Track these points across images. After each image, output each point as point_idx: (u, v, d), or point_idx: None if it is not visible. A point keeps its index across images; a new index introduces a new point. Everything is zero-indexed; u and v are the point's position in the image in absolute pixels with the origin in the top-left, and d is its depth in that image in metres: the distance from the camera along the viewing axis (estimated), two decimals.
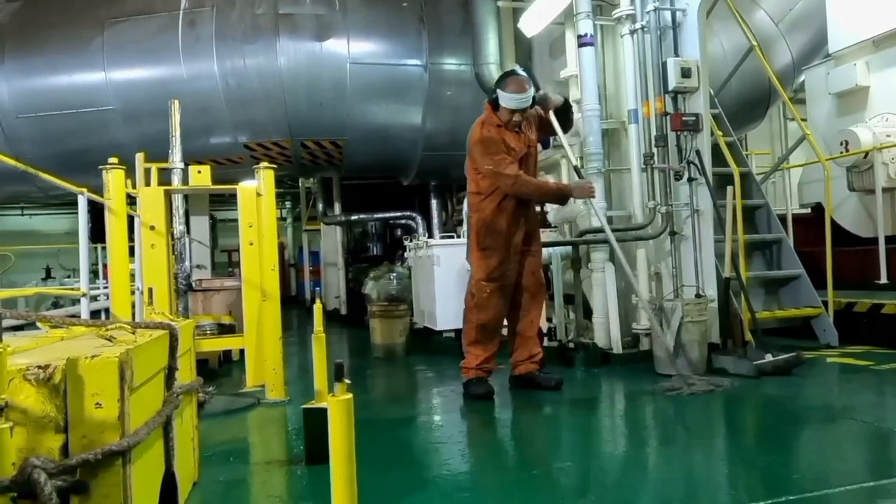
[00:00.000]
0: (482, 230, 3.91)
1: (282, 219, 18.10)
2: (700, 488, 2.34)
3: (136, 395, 1.59)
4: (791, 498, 2.10)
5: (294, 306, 13.24)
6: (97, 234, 5.09)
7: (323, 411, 1.64)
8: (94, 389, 1.40)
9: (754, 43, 6.02)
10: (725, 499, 2.18)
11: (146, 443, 1.69)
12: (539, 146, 4.29)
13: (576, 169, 4.24)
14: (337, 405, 1.37)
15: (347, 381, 1.42)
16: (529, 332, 4.02)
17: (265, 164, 4.18)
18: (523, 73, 4.05)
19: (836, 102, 6.88)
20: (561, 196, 4.07)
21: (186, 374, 2.34)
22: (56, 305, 10.07)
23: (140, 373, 1.60)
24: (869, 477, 2.30)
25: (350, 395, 1.39)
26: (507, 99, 3.81)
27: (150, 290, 2.95)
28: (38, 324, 2.08)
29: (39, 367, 1.39)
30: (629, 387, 4.04)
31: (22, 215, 16.19)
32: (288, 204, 17.68)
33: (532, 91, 3.86)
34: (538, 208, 4.81)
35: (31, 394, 1.37)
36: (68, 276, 13.19)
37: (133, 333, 1.80)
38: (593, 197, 4.13)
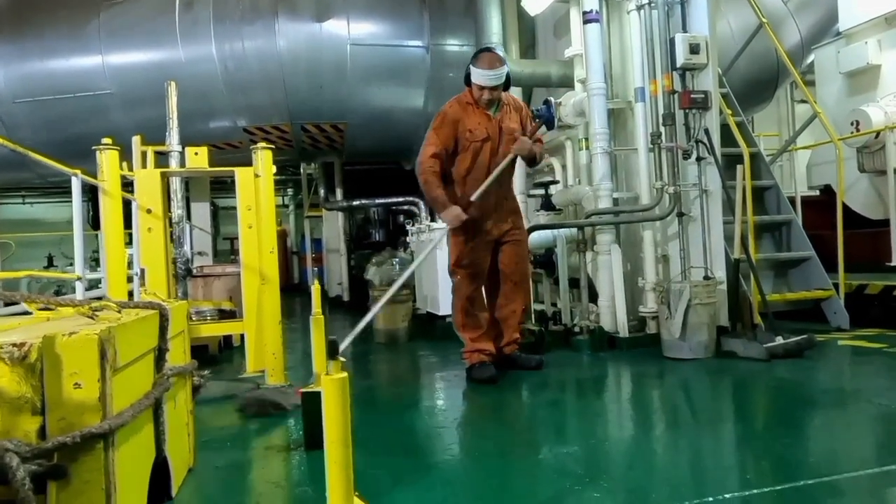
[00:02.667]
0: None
1: (283, 206, 18.01)
2: (710, 472, 2.26)
3: (121, 376, 1.50)
4: (808, 482, 2.02)
5: (297, 294, 13.17)
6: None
7: (321, 395, 1.55)
8: (73, 369, 1.32)
9: (763, 20, 5.88)
10: (735, 483, 2.09)
11: (133, 426, 1.61)
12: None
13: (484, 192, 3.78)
14: (331, 384, 1.28)
15: (342, 358, 1.34)
16: (511, 321, 4.00)
17: (262, 144, 4.08)
18: (500, 51, 3.94)
19: (847, 82, 6.75)
20: (433, 205, 3.99)
21: (179, 356, 2.26)
22: (58, 294, 10.03)
23: (125, 352, 1.51)
24: (889, 460, 2.21)
25: (345, 374, 1.30)
26: (476, 74, 3.74)
27: (143, 271, 2.87)
28: (24, 304, 2.00)
29: (14, 345, 1.30)
30: (636, 371, 3.96)
31: (23, 203, 16.12)
32: (290, 191, 17.58)
33: (505, 69, 3.76)
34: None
35: (5, 373, 1.29)
36: (70, 265, 13.12)
37: (119, 313, 1.72)
38: (454, 226, 3.78)
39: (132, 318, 1.67)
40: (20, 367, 1.30)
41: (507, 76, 3.79)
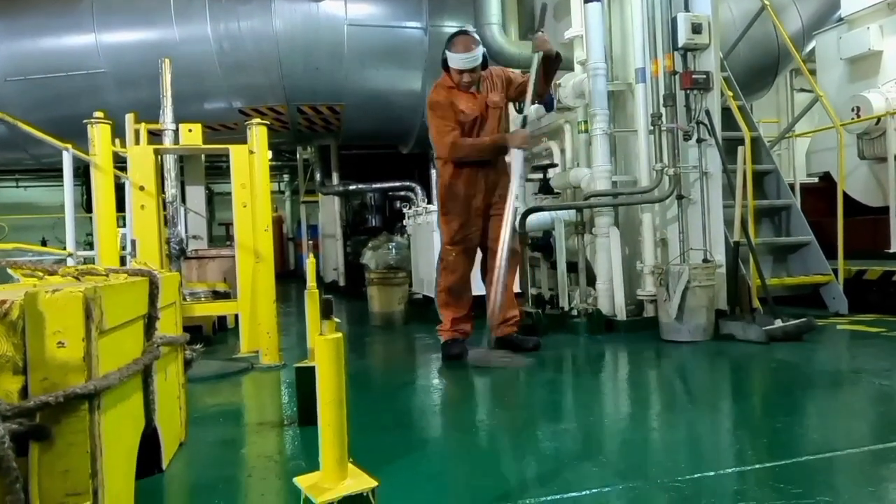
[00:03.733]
0: (443, 194, 3.95)
1: (279, 192, 17.93)
2: (707, 449, 2.22)
3: (108, 339, 1.45)
4: (808, 458, 1.99)
5: (293, 280, 13.11)
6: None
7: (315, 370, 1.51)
8: (56, 327, 1.26)
9: (766, 2, 5.81)
10: (733, 460, 2.06)
11: (121, 392, 1.57)
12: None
13: (524, 119, 3.97)
14: (325, 344, 1.24)
15: (336, 319, 1.29)
16: (504, 295, 3.99)
17: (257, 120, 4.02)
18: (473, 33, 3.95)
19: (848, 68, 6.70)
20: (496, 148, 3.95)
21: (171, 328, 2.21)
22: None
23: (112, 315, 1.46)
24: (888, 437, 2.18)
25: (339, 334, 1.26)
26: (453, 59, 3.79)
27: (134, 242, 2.81)
28: (10, 271, 1.95)
29: None
30: (633, 353, 3.93)
31: (17, 187, 16.00)
32: (286, 177, 17.49)
33: (480, 50, 3.81)
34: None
35: None
36: (64, 249, 13.04)
37: (106, 276, 1.67)
38: (527, 146, 3.96)
39: (120, 281, 1.62)
40: (1, 324, 1.25)
41: (484, 56, 3.84)
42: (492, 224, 3.99)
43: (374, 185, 9.82)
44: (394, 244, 6.49)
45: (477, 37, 3.89)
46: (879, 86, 6.20)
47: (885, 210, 5.54)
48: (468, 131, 3.89)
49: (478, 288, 4.17)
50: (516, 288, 4.32)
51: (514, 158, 3.84)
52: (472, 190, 3.91)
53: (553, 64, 3.90)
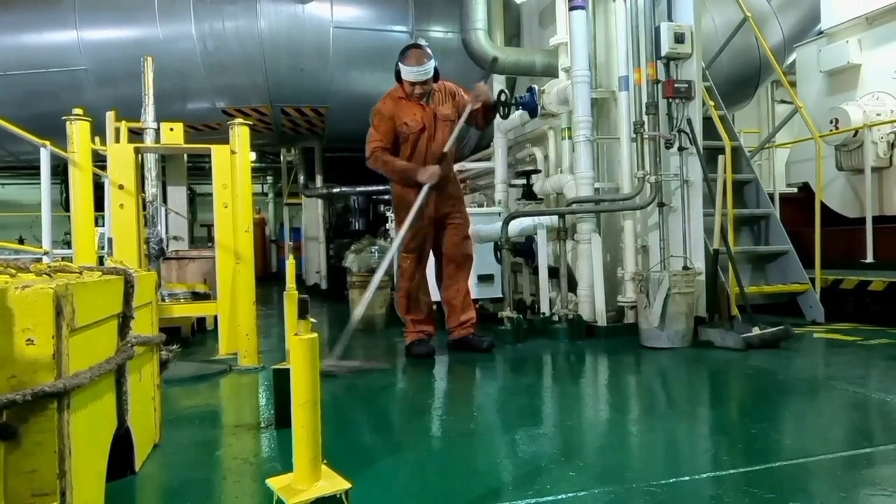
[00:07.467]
0: (397, 204, 4.16)
1: (262, 194, 17.82)
2: (684, 454, 2.24)
3: (80, 338, 1.43)
4: (782, 464, 2.01)
5: (275, 283, 13.02)
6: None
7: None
8: (26, 324, 1.24)
9: (748, 14, 5.89)
10: (709, 464, 2.07)
11: (92, 392, 1.54)
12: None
13: (444, 154, 4.04)
14: (299, 345, 1.22)
15: (313, 319, 1.28)
16: (456, 300, 4.21)
17: (240, 119, 4.00)
18: (426, 47, 4.04)
19: (827, 80, 6.81)
20: (406, 176, 4.03)
21: (146, 328, 2.18)
22: None
23: (84, 313, 1.44)
24: (861, 443, 2.21)
25: (315, 335, 1.25)
26: (405, 71, 3.92)
27: (110, 240, 2.77)
28: None
29: None
30: (613, 359, 3.95)
31: None
32: (269, 179, 17.39)
33: (431, 64, 3.92)
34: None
35: None
36: (41, 247, 12.82)
37: (80, 274, 1.64)
38: (433, 182, 3.95)
39: (93, 279, 1.59)
40: None
41: (436, 69, 3.95)
42: (448, 232, 4.15)
43: (357, 189, 9.79)
44: (377, 248, 6.46)
45: (429, 51, 4.00)
46: (857, 98, 6.31)
47: (861, 221, 5.64)
48: (414, 142, 4.01)
49: (435, 294, 4.37)
50: (482, 292, 4.44)
51: (421, 191, 3.91)
52: (423, 200, 3.97)
53: (492, 111, 4.23)
